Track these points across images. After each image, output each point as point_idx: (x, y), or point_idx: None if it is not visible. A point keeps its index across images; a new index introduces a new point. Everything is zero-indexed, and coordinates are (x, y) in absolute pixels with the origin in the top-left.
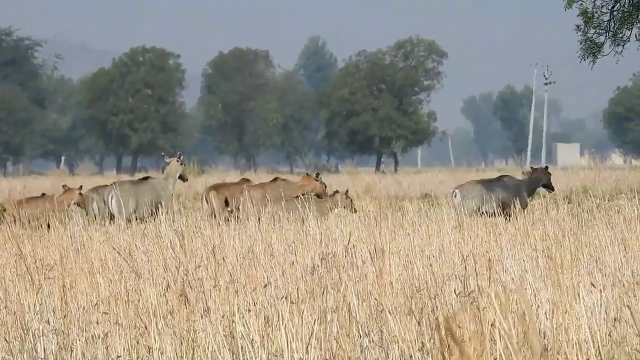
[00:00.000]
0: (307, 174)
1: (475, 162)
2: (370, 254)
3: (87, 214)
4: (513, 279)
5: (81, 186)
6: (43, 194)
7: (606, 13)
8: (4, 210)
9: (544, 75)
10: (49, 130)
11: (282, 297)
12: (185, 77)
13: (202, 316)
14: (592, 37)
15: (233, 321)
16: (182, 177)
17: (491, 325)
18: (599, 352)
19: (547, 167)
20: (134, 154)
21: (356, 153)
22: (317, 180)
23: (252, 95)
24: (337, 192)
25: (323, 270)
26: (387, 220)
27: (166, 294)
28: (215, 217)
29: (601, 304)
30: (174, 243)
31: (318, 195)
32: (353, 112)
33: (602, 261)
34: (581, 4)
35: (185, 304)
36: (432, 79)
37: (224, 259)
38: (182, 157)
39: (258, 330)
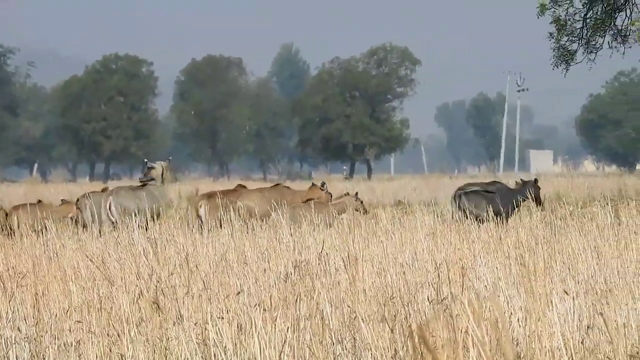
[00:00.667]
0: (313, 184)
1: (448, 169)
2: (343, 261)
3: (79, 222)
4: (486, 286)
5: (78, 199)
6: (39, 201)
7: (579, 20)
8: (7, 215)
9: (517, 83)
10: (22, 137)
11: (255, 305)
12: (158, 84)
13: (174, 324)
14: (564, 44)
15: (206, 329)
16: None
17: (464, 332)
18: (572, 359)
19: (536, 179)
20: (107, 161)
21: (329, 160)
22: (322, 190)
23: (225, 103)
24: (347, 194)
25: (296, 277)
26: (360, 227)
27: (139, 301)
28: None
29: (574, 312)
30: (147, 251)
31: None
32: (326, 119)
33: (575, 268)
34: (554, 11)
35: (158, 312)
36: (405, 86)
37: (197, 267)
38: (170, 160)
39: (231, 338)
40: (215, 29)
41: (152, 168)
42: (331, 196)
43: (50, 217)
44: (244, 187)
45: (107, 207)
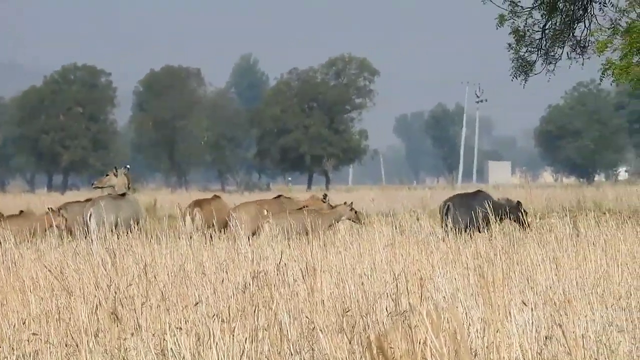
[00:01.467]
0: (314, 195)
1: (407, 180)
2: (301, 272)
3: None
4: (445, 297)
5: (60, 208)
6: (21, 212)
7: (538, 31)
8: None
9: (476, 94)
10: None
11: (213, 315)
12: (117, 94)
13: (133, 334)
14: (523, 55)
15: (164, 339)
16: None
17: (423, 343)
18: None
19: (519, 202)
20: (65, 172)
21: (287, 171)
22: (324, 202)
23: (184, 113)
24: (345, 203)
25: (255, 288)
26: (319, 238)
27: (97, 312)
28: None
29: (532, 323)
30: (106, 261)
31: None
32: (284, 130)
33: (534, 280)
34: (513, 22)
35: (117, 322)
36: (363, 97)
37: (155, 277)
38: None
39: (189, 348)
40: (174, 39)
41: (109, 175)
42: (332, 208)
43: (36, 227)
44: (219, 197)
45: (87, 217)
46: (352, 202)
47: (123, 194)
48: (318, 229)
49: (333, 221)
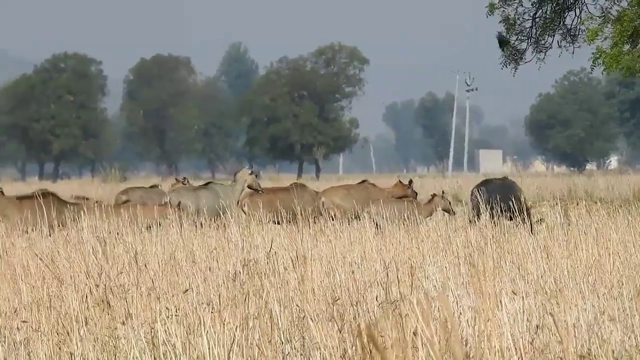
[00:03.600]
0: (400, 181)
1: (397, 169)
2: (292, 260)
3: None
4: (435, 286)
5: (123, 192)
6: (126, 201)
7: (528, 20)
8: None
9: (466, 82)
10: None
11: (203, 304)
12: (107, 83)
13: (123, 322)
14: (514, 43)
15: (154, 328)
16: (252, 187)
17: (413, 332)
18: (522, 359)
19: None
20: (56, 160)
21: (277, 160)
22: (409, 188)
23: (174, 102)
24: (435, 195)
25: (245, 276)
26: (309, 227)
27: (88, 300)
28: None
29: (524, 312)
30: (96, 249)
31: None
32: (274, 119)
33: (525, 268)
34: (503, 10)
35: (107, 310)
36: (353, 85)
37: (145, 265)
38: (253, 168)
39: (180, 337)
40: (164, 28)
41: (238, 171)
42: (416, 194)
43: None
44: (304, 185)
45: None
46: (442, 192)
47: (208, 183)
48: (417, 219)
49: (431, 212)
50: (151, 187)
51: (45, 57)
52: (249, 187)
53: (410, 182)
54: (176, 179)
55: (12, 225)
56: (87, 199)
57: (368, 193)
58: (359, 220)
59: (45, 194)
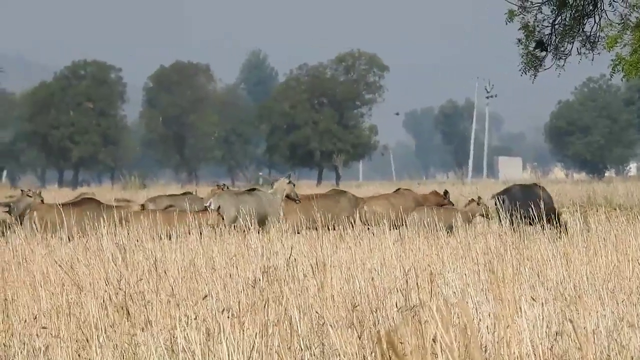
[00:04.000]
0: (435, 191)
1: (416, 176)
2: (311, 267)
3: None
4: (455, 292)
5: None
6: (169, 206)
7: (548, 27)
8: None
9: (486, 89)
10: None
11: (223, 310)
12: (127, 90)
13: (143, 329)
14: (533, 51)
15: (174, 334)
16: (290, 197)
17: (433, 339)
18: None
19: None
20: (75, 167)
21: (297, 167)
22: (444, 199)
23: (193, 109)
24: (472, 200)
25: (264, 283)
26: (329, 233)
27: (107, 306)
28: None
29: (543, 318)
30: (116, 256)
31: None
32: (294, 126)
33: (544, 275)
34: (522, 17)
35: (127, 317)
36: (373, 92)
37: (165, 272)
38: (290, 178)
39: (199, 343)
40: (183, 35)
41: (276, 180)
42: (452, 205)
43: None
44: (344, 192)
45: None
46: (479, 197)
47: (252, 189)
48: (457, 225)
49: (469, 219)
50: (184, 194)
51: (65, 64)
52: (287, 196)
53: (446, 192)
54: (217, 185)
55: (55, 232)
56: (129, 201)
57: (406, 200)
58: (400, 227)
59: (89, 199)
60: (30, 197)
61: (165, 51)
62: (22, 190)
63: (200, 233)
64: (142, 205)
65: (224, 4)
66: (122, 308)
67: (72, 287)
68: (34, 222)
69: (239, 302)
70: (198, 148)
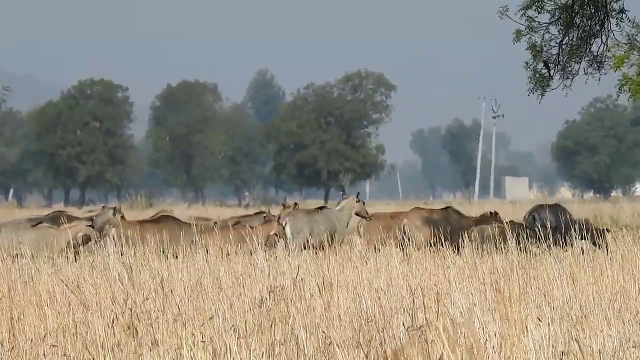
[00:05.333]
0: (490, 212)
1: (423, 195)
2: (318, 286)
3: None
4: (461, 312)
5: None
6: (215, 222)
7: (555, 46)
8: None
9: (492, 109)
10: None
11: (229, 330)
12: (134, 109)
13: (150, 348)
14: (540, 70)
15: (181, 354)
16: (360, 214)
17: (439, 358)
18: None
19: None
20: (82, 187)
21: (304, 186)
22: (495, 220)
23: (200, 128)
24: (490, 214)
25: (271, 303)
26: (336, 253)
27: (114, 326)
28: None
29: (549, 338)
30: (122, 275)
31: None
32: (301, 145)
33: (551, 295)
34: (530, 37)
35: (133, 336)
36: (380, 112)
37: (171, 292)
38: (358, 196)
39: None
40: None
41: (345, 199)
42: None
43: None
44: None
45: (282, 228)
46: (497, 213)
47: (321, 208)
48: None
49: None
50: (256, 213)
51: (71, 83)
52: (357, 214)
53: (496, 214)
54: (283, 204)
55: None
56: (208, 220)
57: (449, 219)
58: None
59: (166, 217)
60: (110, 213)
61: (172, 70)
62: (103, 206)
63: (207, 252)
64: (215, 223)
65: (230, 24)
66: (128, 327)
67: (78, 306)
68: (113, 238)
69: (245, 322)
70: (205, 167)
